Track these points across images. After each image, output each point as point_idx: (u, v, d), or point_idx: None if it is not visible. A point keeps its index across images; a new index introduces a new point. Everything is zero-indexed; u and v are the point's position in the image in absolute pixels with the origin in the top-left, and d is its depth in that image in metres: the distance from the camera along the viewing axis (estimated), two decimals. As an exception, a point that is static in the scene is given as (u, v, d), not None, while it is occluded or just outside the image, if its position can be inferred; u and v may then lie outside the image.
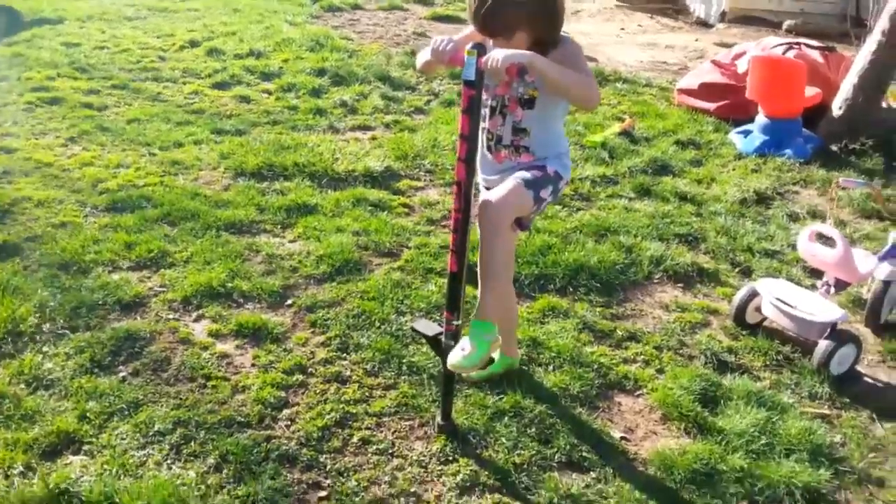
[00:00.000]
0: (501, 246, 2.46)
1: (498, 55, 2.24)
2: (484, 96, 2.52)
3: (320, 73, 6.83)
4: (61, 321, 3.17)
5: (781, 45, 6.31)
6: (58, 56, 6.88)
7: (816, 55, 6.18)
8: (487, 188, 2.64)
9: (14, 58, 6.76)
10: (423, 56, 2.55)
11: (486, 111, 2.57)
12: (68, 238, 3.80)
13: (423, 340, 2.86)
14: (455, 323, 2.53)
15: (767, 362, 3.26)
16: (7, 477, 2.38)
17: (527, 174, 2.49)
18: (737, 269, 4.04)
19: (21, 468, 2.41)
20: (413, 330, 2.86)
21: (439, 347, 2.60)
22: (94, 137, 5.19)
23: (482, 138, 2.60)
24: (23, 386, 2.80)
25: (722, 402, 2.94)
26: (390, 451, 2.63)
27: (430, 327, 2.68)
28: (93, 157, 4.87)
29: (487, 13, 2.32)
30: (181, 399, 2.79)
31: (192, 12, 9.16)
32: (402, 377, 2.98)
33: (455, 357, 2.44)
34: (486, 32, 2.41)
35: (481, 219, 2.43)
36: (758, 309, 3.46)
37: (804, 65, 5.68)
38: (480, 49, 2.28)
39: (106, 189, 4.42)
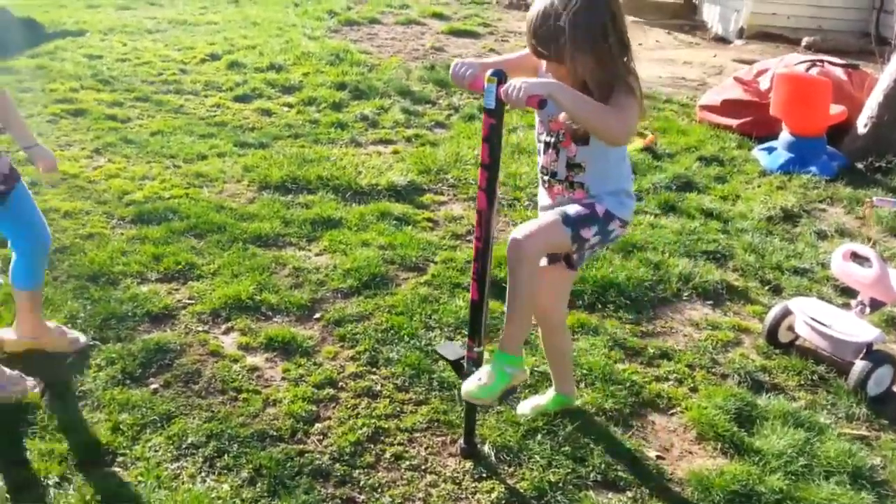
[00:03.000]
0: (523, 280, 2.36)
1: (518, 83, 2.16)
2: (539, 130, 2.52)
3: (340, 86, 6.85)
4: (92, 332, 3.17)
5: (805, 62, 6.29)
6: (80, 68, 6.93)
7: (840, 73, 6.15)
8: None
9: (37, 70, 6.82)
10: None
11: (541, 146, 2.54)
12: (96, 249, 3.81)
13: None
14: (477, 350, 2.50)
15: (802, 382, 3.22)
16: (43, 488, 2.37)
17: (570, 210, 2.42)
18: (766, 287, 4.00)
19: (56, 479, 2.40)
20: (436, 352, 2.83)
21: (461, 371, 2.56)
22: (119, 149, 5.22)
23: (539, 174, 2.59)
24: (55, 397, 2.79)
25: (758, 422, 2.90)
26: (423, 468, 2.60)
27: (453, 351, 2.63)
28: (118, 168, 4.89)
29: (540, 35, 2.26)
30: (213, 412, 2.77)
31: (212, 26, 9.24)
32: (433, 392, 2.96)
33: (470, 385, 2.39)
34: (537, 55, 2.34)
35: (508, 251, 2.38)
36: (790, 328, 3.42)
37: (829, 82, 5.66)
38: (501, 76, 2.22)
39: (132, 201, 4.43)
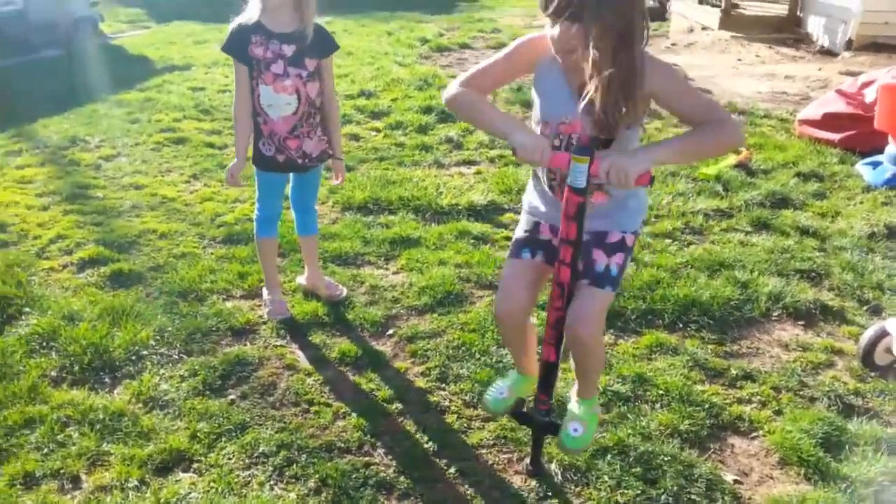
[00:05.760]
0: (595, 353, 2.38)
1: (619, 165, 1.98)
2: (543, 130, 2.24)
3: (427, 110, 6.98)
4: (178, 345, 3.33)
5: (914, 70, 5.91)
6: (184, 100, 7.37)
7: (954, 81, 5.73)
8: (550, 228, 2.36)
9: (146, 101, 7.31)
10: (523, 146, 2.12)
11: None
12: (187, 268, 4.01)
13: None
14: (550, 402, 2.51)
15: (900, 407, 2.99)
16: (123, 490, 2.50)
17: (612, 265, 2.26)
18: (865, 308, 3.75)
19: (135, 483, 2.53)
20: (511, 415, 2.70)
21: (521, 415, 2.62)
22: (215, 174, 5.49)
23: (542, 176, 2.35)
24: (140, 405, 2.95)
25: (847, 447, 2.71)
26: (488, 484, 2.57)
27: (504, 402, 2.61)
28: (213, 192, 5.15)
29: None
30: (285, 423, 2.85)
31: (309, 57, 9.62)
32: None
33: (568, 441, 2.41)
34: (554, 13, 2.04)
35: (572, 345, 2.31)
36: (888, 350, 3.19)
37: (940, 91, 5.29)
38: (590, 153, 2.04)
39: (223, 222, 4.65)
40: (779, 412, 2.95)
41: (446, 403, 2.97)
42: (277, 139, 3.32)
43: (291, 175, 3.54)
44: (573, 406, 2.52)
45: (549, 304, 2.32)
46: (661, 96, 2.13)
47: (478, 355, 3.25)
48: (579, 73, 2.10)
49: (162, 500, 2.43)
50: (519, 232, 2.46)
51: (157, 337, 3.37)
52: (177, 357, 3.26)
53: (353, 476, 2.58)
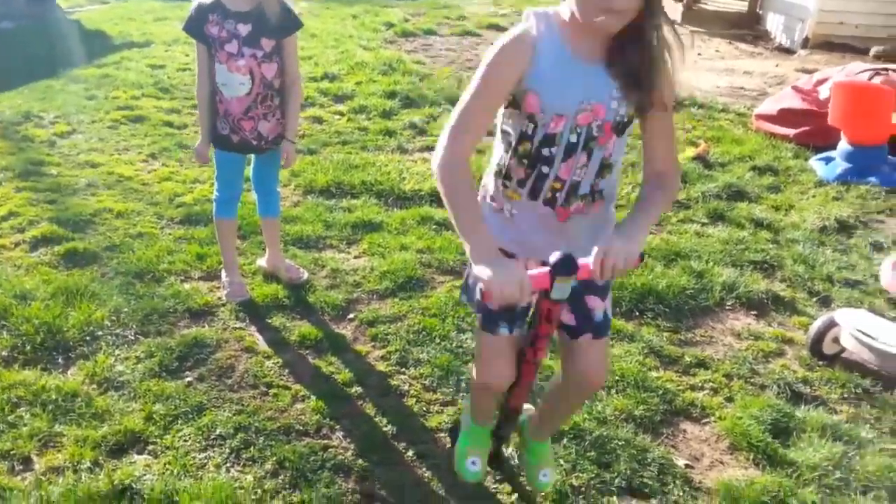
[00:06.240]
0: None
1: (613, 259, 1.74)
2: (552, 126, 1.84)
3: (391, 95, 6.94)
4: (134, 326, 3.28)
5: (867, 70, 6.08)
6: (143, 77, 7.22)
7: (905, 80, 5.90)
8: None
9: (103, 78, 7.13)
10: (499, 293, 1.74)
11: (555, 150, 1.86)
12: (144, 248, 3.95)
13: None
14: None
15: (845, 395, 3.09)
16: (76, 472, 2.46)
17: (607, 312, 2.05)
18: (815, 299, 3.86)
19: (89, 464, 2.49)
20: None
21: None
22: (173, 154, 5.40)
23: (526, 187, 1.93)
24: (95, 386, 2.90)
25: (794, 433, 2.80)
26: (446, 467, 2.59)
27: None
28: (171, 172, 5.06)
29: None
30: (243, 405, 2.83)
31: (272, 38, 9.48)
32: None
33: (542, 486, 2.41)
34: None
35: (591, 390, 2.25)
36: (836, 340, 3.29)
37: (892, 91, 5.45)
38: (572, 268, 1.77)
39: (182, 203, 4.58)
40: (730, 399, 3.03)
41: (406, 387, 2.98)
42: (231, 119, 3.30)
43: (252, 156, 3.50)
44: (536, 450, 2.43)
45: (524, 377, 2.12)
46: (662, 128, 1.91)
47: (438, 340, 3.27)
48: (599, 45, 1.79)
49: (116, 482, 2.39)
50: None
51: (113, 317, 3.31)
52: (133, 338, 3.21)
53: (311, 459, 2.57)
